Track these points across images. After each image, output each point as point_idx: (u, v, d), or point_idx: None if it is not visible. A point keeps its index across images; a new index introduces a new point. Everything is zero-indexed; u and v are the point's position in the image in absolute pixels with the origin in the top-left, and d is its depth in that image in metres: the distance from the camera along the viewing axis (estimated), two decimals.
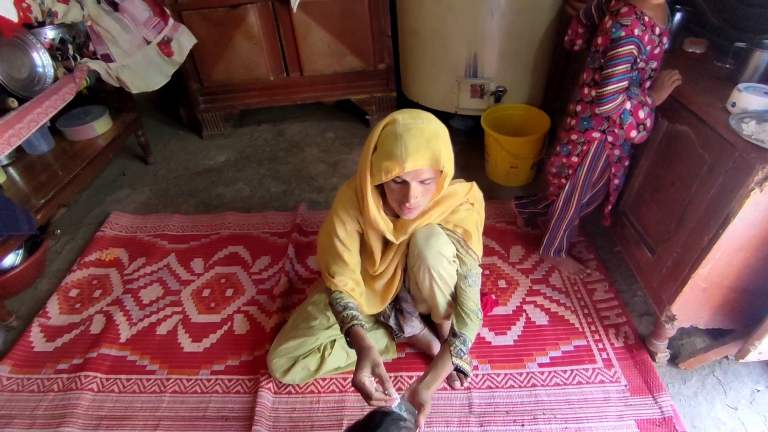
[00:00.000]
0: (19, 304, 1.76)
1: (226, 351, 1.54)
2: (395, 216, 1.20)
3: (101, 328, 1.62)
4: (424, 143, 1.00)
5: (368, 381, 1.04)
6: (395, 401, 1.03)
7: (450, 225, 1.21)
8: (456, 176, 1.22)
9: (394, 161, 0.99)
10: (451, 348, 1.16)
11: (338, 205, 1.22)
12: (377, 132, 1.06)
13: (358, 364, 1.08)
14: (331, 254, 1.24)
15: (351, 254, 1.23)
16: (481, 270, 1.27)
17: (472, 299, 1.22)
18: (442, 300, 1.25)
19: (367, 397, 1.03)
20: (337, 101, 2.89)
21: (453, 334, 1.20)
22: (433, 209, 1.16)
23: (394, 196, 1.09)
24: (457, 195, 1.19)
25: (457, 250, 1.20)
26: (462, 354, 1.17)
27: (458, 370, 1.19)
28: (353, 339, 1.15)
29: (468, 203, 1.24)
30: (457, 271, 1.22)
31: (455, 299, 1.25)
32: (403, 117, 1.05)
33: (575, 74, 1.49)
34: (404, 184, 1.05)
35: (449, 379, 1.39)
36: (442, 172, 1.07)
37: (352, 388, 1.38)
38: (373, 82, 2.62)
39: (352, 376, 1.40)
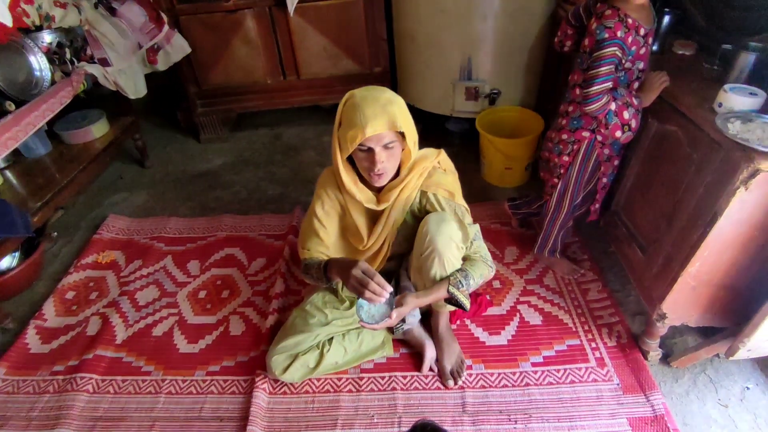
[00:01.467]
0: (15, 306, 1.77)
1: (222, 352, 1.55)
2: (377, 190, 1.26)
3: (97, 330, 1.63)
4: (380, 109, 1.09)
5: (369, 267, 1.12)
6: (388, 292, 1.10)
7: (432, 188, 1.26)
8: None
9: (356, 129, 1.08)
10: (451, 278, 1.21)
11: (318, 187, 1.32)
12: (339, 109, 1.17)
13: (349, 261, 1.15)
14: (307, 231, 1.34)
15: (326, 232, 1.32)
16: (478, 226, 1.33)
17: (481, 251, 1.28)
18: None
19: (366, 283, 1.08)
20: (334, 104, 2.91)
21: (458, 269, 1.24)
22: (409, 175, 1.23)
23: (363, 165, 1.17)
24: (429, 157, 1.28)
25: (450, 207, 1.24)
26: (460, 285, 1.20)
27: (453, 302, 1.22)
28: (333, 263, 1.21)
29: (441, 169, 1.30)
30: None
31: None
32: (360, 91, 1.16)
33: (568, 76, 1.51)
34: (370, 152, 1.13)
35: (442, 378, 1.40)
36: (402, 135, 1.14)
37: (347, 388, 1.40)
38: (369, 85, 2.63)
39: (347, 375, 1.43)
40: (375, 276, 1.10)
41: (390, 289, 1.10)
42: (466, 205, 1.31)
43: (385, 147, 1.13)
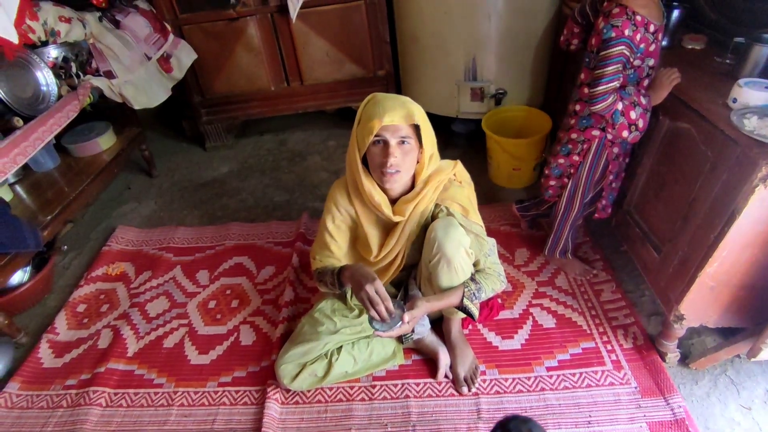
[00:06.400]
0: (27, 321, 1.78)
1: (233, 362, 1.54)
2: (391, 201, 1.26)
3: (109, 343, 1.63)
4: (399, 104, 1.14)
5: (383, 289, 1.14)
6: (392, 319, 1.15)
7: (446, 202, 1.25)
8: None
9: (374, 120, 1.11)
10: (466, 289, 1.21)
11: (329, 200, 1.34)
12: (360, 109, 1.19)
13: (365, 273, 1.17)
14: (319, 244, 1.37)
15: (337, 245, 1.34)
16: (494, 240, 1.33)
17: (495, 266, 1.28)
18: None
19: (376, 303, 1.12)
20: (338, 109, 2.91)
21: (471, 279, 1.23)
22: (425, 188, 1.23)
23: (376, 162, 1.17)
24: (445, 170, 1.27)
25: (463, 226, 1.22)
26: (473, 297, 1.21)
27: (465, 311, 1.22)
28: (347, 269, 1.23)
29: (456, 181, 1.30)
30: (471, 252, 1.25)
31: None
32: (382, 93, 1.20)
33: (575, 74, 1.49)
34: (385, 146, 1.14)
35: (456, 385, 1.39)
36: (417, 130, 1.16)
37: (360, 397, 1.39)
38: (373, 88, 2.62)
39: (360, 383, 1.41)
40: (386, 300, 1.13)
41: (392, 309, 1.14)
42: (481, 222, 1.29)
43: (400, 142, 1.14)
